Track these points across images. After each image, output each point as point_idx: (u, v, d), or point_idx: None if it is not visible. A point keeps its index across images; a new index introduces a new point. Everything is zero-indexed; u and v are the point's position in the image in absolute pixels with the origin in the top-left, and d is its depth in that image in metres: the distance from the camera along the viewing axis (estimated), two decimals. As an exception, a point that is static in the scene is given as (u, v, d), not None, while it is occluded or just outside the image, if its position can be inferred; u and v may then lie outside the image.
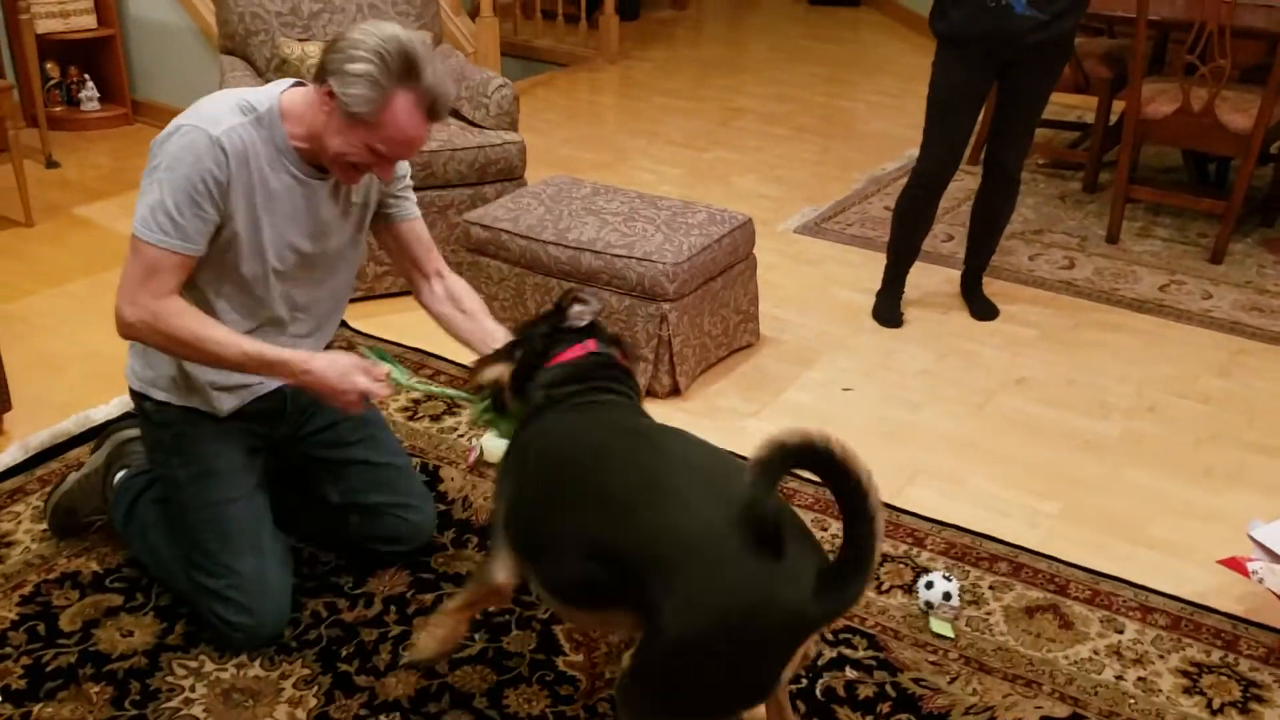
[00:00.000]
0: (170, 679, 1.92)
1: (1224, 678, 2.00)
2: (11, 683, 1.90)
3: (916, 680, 1.96)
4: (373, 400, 1.88)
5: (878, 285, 3.35)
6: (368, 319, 3.17)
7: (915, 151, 3.17)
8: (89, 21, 4.65)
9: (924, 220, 3.24)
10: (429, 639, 1.83)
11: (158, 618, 2.05)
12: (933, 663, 2.00)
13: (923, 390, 2.95)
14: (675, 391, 2.85)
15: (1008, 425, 2.80)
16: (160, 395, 1.96)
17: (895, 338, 3.23)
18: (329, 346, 2.13)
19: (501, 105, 3.42)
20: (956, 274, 3.48)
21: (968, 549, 2.31)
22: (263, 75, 3.44)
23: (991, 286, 3.46)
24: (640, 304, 2.78)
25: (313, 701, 1.88)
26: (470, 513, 2.36)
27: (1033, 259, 3.75)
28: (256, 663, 1.95)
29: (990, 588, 2.20)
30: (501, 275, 2.99)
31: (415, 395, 2.81)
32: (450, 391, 2.15)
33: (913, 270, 3.34)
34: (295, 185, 1.86)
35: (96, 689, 1.89)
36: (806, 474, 2.48)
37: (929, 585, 2.11)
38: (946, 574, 2.15)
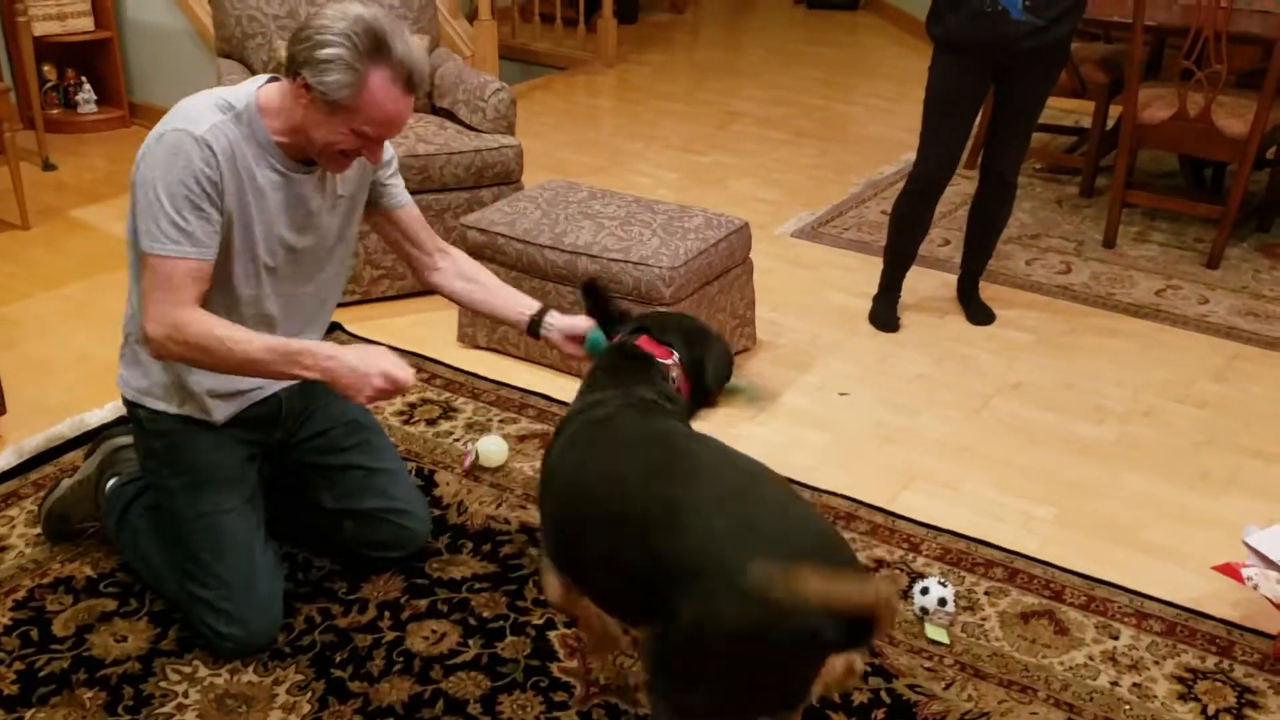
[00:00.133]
0: (164, 684, 1.91)
1: (1219, 684, 2.00)
2: (4, 688, 1.89)
3: (912, 686, 1.96)
4: (401, 387, 1.82)
5: (874, 290, 3.35)
6: (363, 322, 3.16)
7: (912, 156, 3.17)
8: (86, 24, 4.64)
9: (920, 225, 3.24)
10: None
11: (151, 623, 2.04)
12: (928, 669, 2.00)
13: (919, 395, 2.95)
14: (671, 396, 2.85)
15: (1004, 430, 2.80)
16: (154, 404, 1.95)
17: (892, 342, 3.23)
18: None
19: (498, 109, 3.42)
20: (953, 278, 3.48)
21: (963, 554, 2.30)
22: (259, 78, 3.44)
23: (988, 291, 3.46)
24: (636, 308, 2.78)
25: (306, 707, 1.87)
26: (465, 518, 2.36)
27: (1029, 263, 3.75)
28: (250, 668, 1.95)
29: (986, 593, 2.20)
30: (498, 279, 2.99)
31: (411, 399, 2.80)
32: None
33: (909, 275, 3.34)
34: (281, 180, 1.85)
35: (90, 694, 1.88)
36: (816, 483, 2.49)
37: (924, 591, 2.11)
38: (942, 580, 2.15)
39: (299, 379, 1.86)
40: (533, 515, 2.37)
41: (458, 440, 2.64)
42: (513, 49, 6.12)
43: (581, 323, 2.00)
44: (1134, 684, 1.99)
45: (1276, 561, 2.01)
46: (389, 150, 2.03)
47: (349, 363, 1.79)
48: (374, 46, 1.71)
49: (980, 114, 3.23)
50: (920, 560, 2.28)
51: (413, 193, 3.23)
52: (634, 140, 4.92)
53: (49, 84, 4.73)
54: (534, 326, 2.06)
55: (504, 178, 3.38)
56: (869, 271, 3.47)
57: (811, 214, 4.13)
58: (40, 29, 4.51)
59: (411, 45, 1.76)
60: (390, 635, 2.03)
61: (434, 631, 2.04)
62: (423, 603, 2.11)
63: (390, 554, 2.18)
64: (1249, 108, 3.55)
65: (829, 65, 6.28)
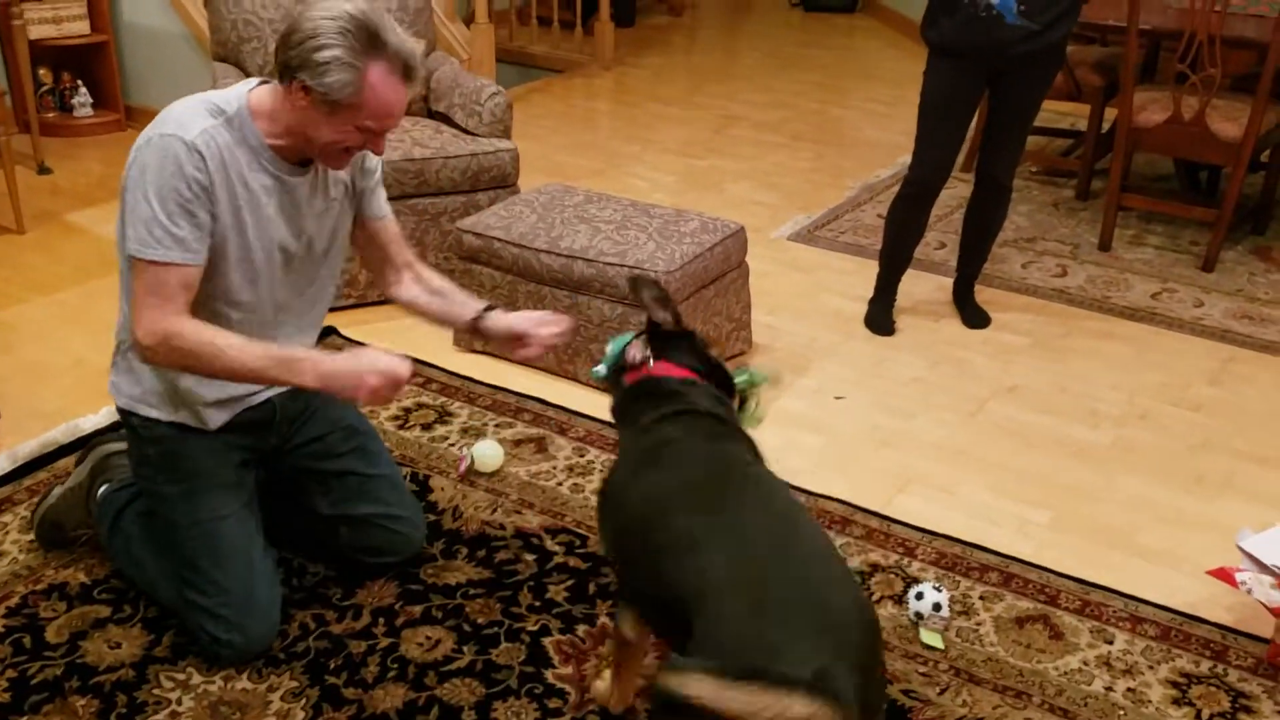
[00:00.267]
0: (157, 691, 1.91)
1: (1213, 688, 2.00)
2: (-3, 695, 1.89)
3: (906, 692, 1.96)
4: (398, 381, 1.81)
5: (870, 293, 3.35)
6: (359, 326, 3.16)
7: (908, 159, 3.17)
8: (82, 27, 4.64)
9: (916, 228, 3.24)
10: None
11: (145, 629, 2.04)
12: (923, 674, 2.00)
13: (914, 398, 2.95)
14: (667, 400, 2.85)
15: (999, 433, 2.80)
16: (148, 411, 1.94)
17: (887, 345, 3.23)
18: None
19: (495, 113, 3.42)
20: (949, 282, 3.48)
21: (958, 559, 2.30)
22: (255, 83, 3.44)
23: (983, 294, 3.46)
24: (632, 312, 2.78)
25: (300, 714, 1.87)
26: (460, 523, 2.36)
27: (1025, 267, 3.75)
28: (244, 675, 1.94)
29: (981, 598, 2.20)
30: (494, 283, 2.99)
31: (406, 403, 2.80)
32: None
33: (905, 278, 3.34)
34: (274, 184, 1.85)
35: (83, 702, 1.88)
36: (812, 487, 2.48)
37: (919, 596, 2.11)
38: (937, 584, 2.15)
39: (294, 386, 1.86)
40: (527, 520, 2.37)
41: (453, 445, 2.64)
42: (510, 52, 6.12)
43: (521, 322, 2.00)
44: (1128, 689, 1.99)
45: (1270, 565, 2.02)
46: (373, 159, 2.02)
47: (343, 366, 1.79)
48: (370, 40, 1.71)
49: (975, 117, 3.23)
50: (915, 565, 2.28)
51: (408, 196, 3.25)
52: (631, 143, 4.92)
53: (45, 87, 4.73)
54: (479, 320, 2.04)
55: (500, 181, 3.38)
56: (865, 275, 3.47)
57: (808, 217, 4.13)
58: (36, 32, 4.51)
59: (401, 33, 1.76)
60: (385, 641, 2.03)
61: (428, 638, 2.04)
62: (417, 609, 2.11)
63: (385, 560, 2.17)
64: (1243, 111, 3.56)
65: (826, 69, 6.29)
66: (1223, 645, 2.09)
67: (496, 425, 2.73)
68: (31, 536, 2.25)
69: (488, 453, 2.53)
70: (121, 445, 2.15)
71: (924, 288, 3.53)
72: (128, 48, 4.80)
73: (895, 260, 3.29)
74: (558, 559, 2.25)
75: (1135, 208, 4.01)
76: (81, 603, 2.10)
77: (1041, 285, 3.62)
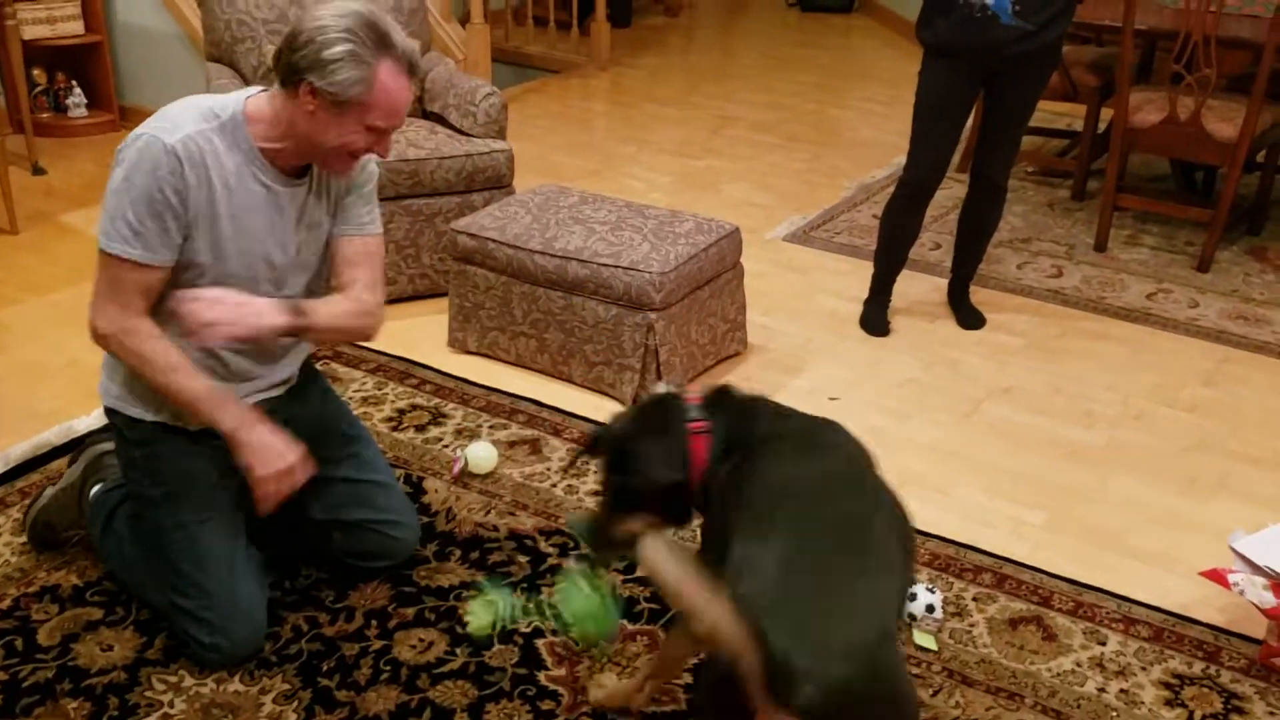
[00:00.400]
0: (149, 694, 1.90)
1: (1205, 689, 2.00)
2: (-11, 698, 1.89)
3: (899, 693, 1.96)
4: (293, 482, 1.88)
5: (865, 294, 3.35)
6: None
7: (904, 160, 3.17)
8: (76, 28, 4.63)
9: (911, 229, 3.24)
10: None
11: (138, 632, 2.03)
12: (915, 675, 2.00)
13: (909, 399, 2.95)
14: (661, 401, 2.84)
15: (994, 434, 2.80)
16: (133, 411, 1.94)
17: (882, 346, 3.23)
18: (305, 362, 2.12)
19: (489, 114, 3.41)
20: (944, 282, 3.48)
21: (951, 560, 2.30)
22: (249, 83, 3.43)
23: (979, 295, 3.46)
24: (627, 313, 2.78)
25: (293, 717, 1.87)
26: (454, 525, 2.35)
27: (1020, 267, 3.75)
28: (236, 678, 1.94)
29: (974, 599, 2.20)
30: (488, 284, 2.99)
31: (400, 405, 2.80)
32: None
33: (900, 279, 3.34)
34: (265, 194, 1.84)
35: (74, 705, 1.88)
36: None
37: (912, 597, 2.11)
38: (930, 586, 2.15)
39: (215, 428, 1.87)
40: (521, 522, 2.36)
41: (447, 446, 2.64)
42: (506, 52, 6.11)
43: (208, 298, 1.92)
44: (1121, 690, 1.99)
45: (1263, 567, 2.02)
46: (370, 166, 2.01)
47: (266, 440, 1.84)
48: (378, 38, 1.72)
49: (971, 118, 3.23)
50: (909, 566, 2.28)
51: (403, 197, 3.25)
52: (627, 144, 4.92)
53: (39, 88, 4.72)
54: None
55: (495, 182, 3.38)
56: (860, 276, 3.47)
57: (803, 218, 4.13)
58: (30, 33, 4.50)
59: (401, 30, 1.78)
60: (377, 644, 2.03)
61: (421, 640, 2.04)
62: (410, 611, 2.10)
63: (379, 564, 2.17)
64: (1239, 112, 3.56)
65: (822, 69, 6.28)
66: (1215, 646, 2.10)
67: (490, 427, 2.72)
68: (24, 539, 2.25)
69: (481, 454, 2.52)
70: (114, 445, 2.15)
71: (919, 288, 3.53)
72: (122, 48, 4.79)
73: (890, 261, 3.29)
74: (551, 560, 2.25)
75: (1131, 208, 4.02)
76: (73, 605, 2.09)
77: (1036, 286, 3.62)
